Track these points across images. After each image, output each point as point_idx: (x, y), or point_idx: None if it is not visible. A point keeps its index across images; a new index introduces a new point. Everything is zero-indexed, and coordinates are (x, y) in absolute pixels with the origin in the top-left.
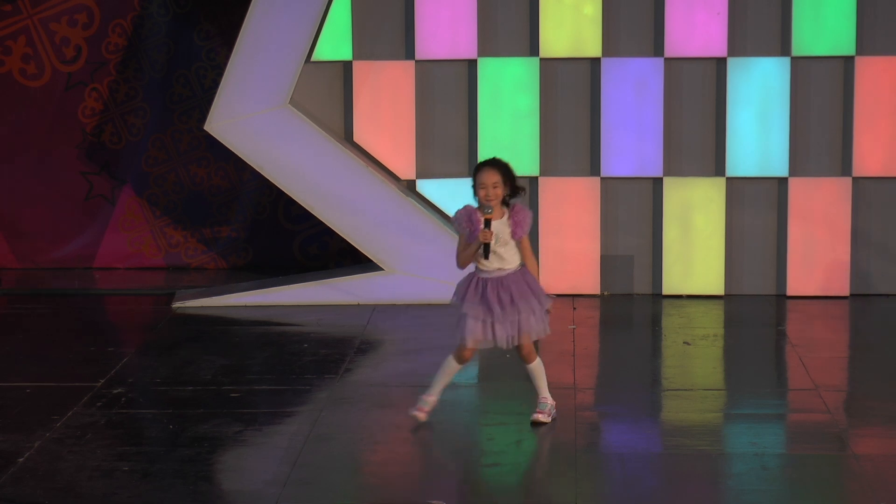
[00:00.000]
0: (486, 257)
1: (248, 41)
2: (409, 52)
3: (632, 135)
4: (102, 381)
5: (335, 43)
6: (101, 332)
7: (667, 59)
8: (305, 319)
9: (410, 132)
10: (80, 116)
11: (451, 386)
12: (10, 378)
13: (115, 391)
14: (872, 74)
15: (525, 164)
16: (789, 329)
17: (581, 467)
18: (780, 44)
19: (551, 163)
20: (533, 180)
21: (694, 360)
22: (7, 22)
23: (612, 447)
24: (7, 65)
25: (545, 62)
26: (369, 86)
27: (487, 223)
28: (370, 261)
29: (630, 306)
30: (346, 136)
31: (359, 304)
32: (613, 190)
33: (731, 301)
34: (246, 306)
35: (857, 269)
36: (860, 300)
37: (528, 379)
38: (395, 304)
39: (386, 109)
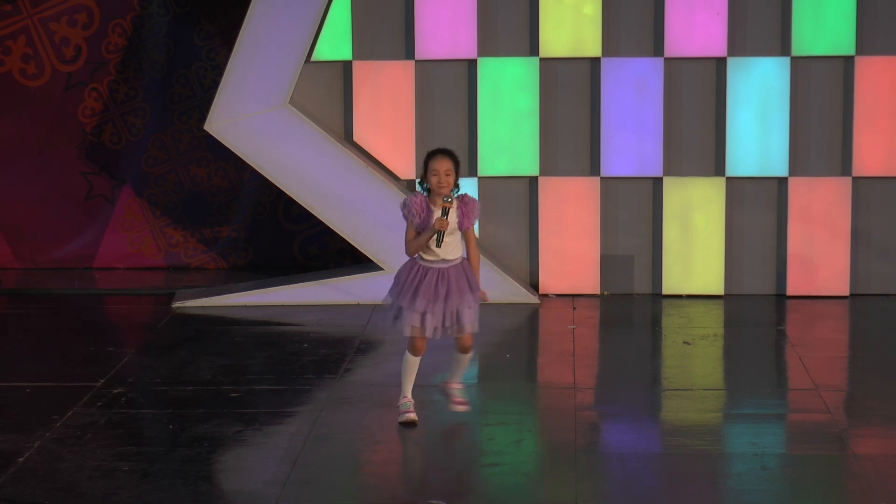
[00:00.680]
0: (439, 245)
1: (248, 41)
2: (409, 52)
3: (632, 135)
4: (102, 380)
5: (335, 43)
6: (101, 332)
7: (667, 59)
8: (305, 319)
9: (410, 132)
10: (80, 116)
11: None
12: (10, 378)
13: (115, 391)
14: (872, 74)
15: (525, 164)
16: (789, 329)
17: (581, 467)
18: (780, 44)
19: (551, 163)
20: (533, 180)
21: (694, 360)
22: (7, 22)
23: (612, 447)
24: (7, 65)
25: (545, 62)
26: (369, 86)
27: (445, 212)
28: (370, 261)
29: (630, 306)
30: (346, 136)
31: (359, 304)
32: (613, 190)
33: (731, 301)
34: (246, 306)
35: (857, 269)
36: (860, 300)
37: (528, 378)
38: None
39: (386, 109)
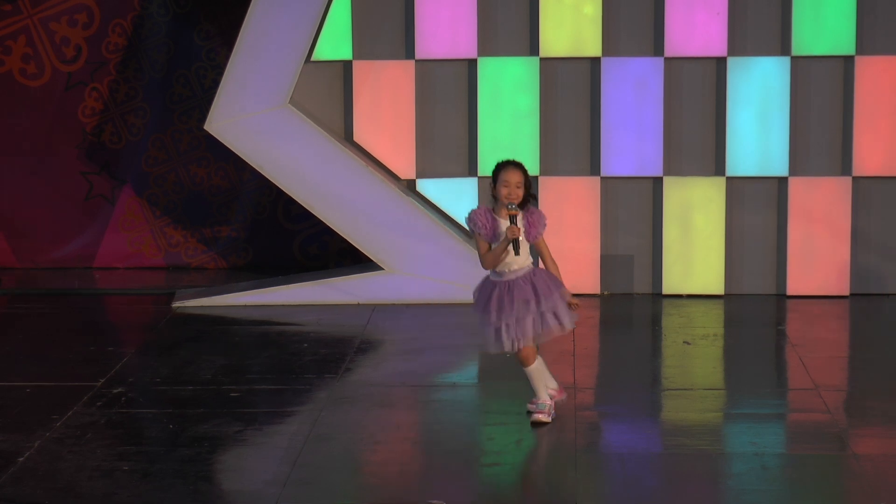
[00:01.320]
0: (518, 253)
1: (248, 41)
2: (409, 52)
3: (632, 134)
4: (102, 380)
5: (335, 43)
6: (101, 331)
7: (667, 59)
8: (305, 319)
9: (410, 132)
10: (80, 116)
11: (452, 386)
12: (10, 378)
13: (115, 391)
14: (872, 74)
15: (525, 164)
16: (789, 329)
17: (581, 467)
18: (780, 43)
19: (551, 163)
20: (533, 180)
21: (694, 359)
22: (7, 22)
23: (612, 447)
24: (7, 65)
25: (545, 62)
26: (369, 85)
27: (513, 219)
28: (370, 261)
29: (630, 306)
30: (346, 135)
31: (359, 304)
32: (613, 190)
33: (731, 301)
34: (246, 306)
35: (857, 269)
36: (860, 300)
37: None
38: (395, 304)
39: (386, 109)
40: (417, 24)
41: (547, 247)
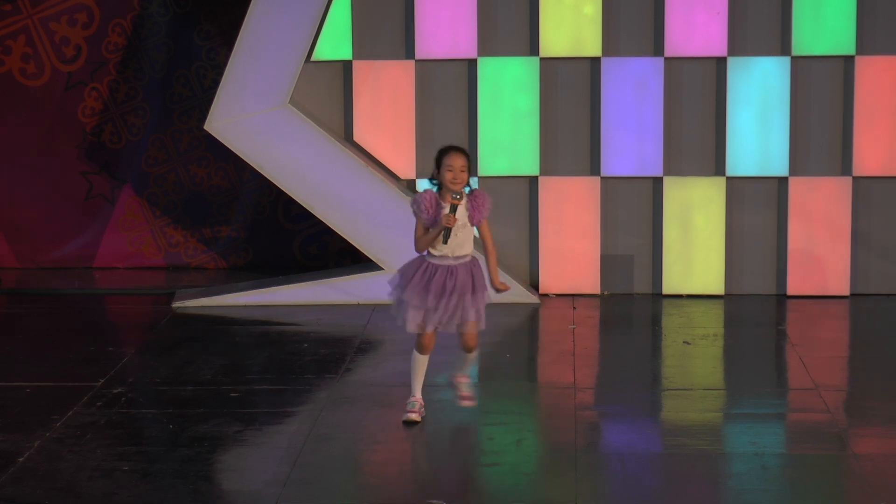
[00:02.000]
0: (446, 242)
1: (248, 41)
2: (409, 52)
3: (632, 135)
4: (102, 380)
5: (335, 43)
6: (101, 331)
7: (667, 59)
8: (305, 319)
9: (410, 132)
10: (80, 116)
11: (452, 386)
12: (10, 378)
13: (115, 391)
14: (872, 74)
15: (525, 164)
16: (789, 329)
17: (581, 467)
18: (780, 43)
19: (551, 163)
20: (533, 180)
21: (694, 359)
22: (7, 21)
23: (612, 447)
24: (7, 64)
25: (545, 62)
26: (369, 85)
27: (454, 208)
28: (370, 261)
29: (630, 306)
30: (346, 135)
31: (359, 304)
32: (613, 190)
33: (731, 301)
34: (246, 306)
35: (857, 269)
36: (860, 300)
37: (528, 378)
38: None
39: (386, 109)
40: (417, 24)
41: (490, 232)
